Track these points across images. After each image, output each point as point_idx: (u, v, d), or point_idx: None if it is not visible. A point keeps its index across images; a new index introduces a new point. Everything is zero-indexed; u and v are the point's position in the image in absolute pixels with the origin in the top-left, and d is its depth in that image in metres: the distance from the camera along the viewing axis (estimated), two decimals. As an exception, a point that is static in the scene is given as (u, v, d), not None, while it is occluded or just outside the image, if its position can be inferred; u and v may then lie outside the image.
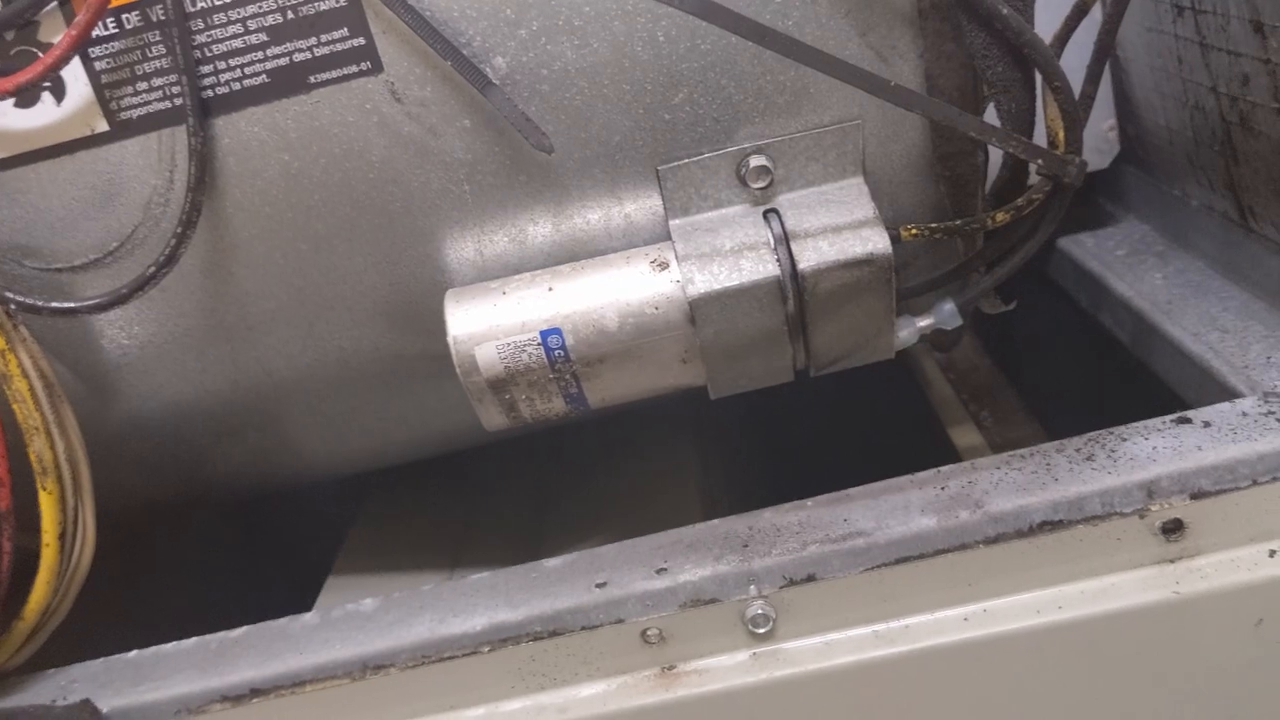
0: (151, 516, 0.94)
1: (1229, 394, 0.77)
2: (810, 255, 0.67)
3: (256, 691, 0.74)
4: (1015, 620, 0.69)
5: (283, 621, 0.79)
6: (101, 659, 0.79)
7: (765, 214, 0.69)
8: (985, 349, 1.12)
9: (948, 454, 0.98)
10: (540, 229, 0.71)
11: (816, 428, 1.15)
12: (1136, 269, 0.99)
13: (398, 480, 1.13)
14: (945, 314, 0.73)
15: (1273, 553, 0.68)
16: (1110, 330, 1.00)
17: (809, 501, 0.76)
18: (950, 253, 0.75)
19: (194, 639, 0.80)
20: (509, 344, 0.68)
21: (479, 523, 1.08)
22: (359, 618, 0.77)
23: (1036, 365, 1.15)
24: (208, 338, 0.73)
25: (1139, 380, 0.94)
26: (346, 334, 0.74)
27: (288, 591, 0.97)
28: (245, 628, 0.79)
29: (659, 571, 0.73)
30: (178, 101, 0.66)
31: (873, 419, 1.11)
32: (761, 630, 0.70)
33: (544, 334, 0.68)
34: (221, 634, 0.79)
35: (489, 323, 0.68)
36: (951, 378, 1.03)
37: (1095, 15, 0.71)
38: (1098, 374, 1.06)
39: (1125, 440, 0.73)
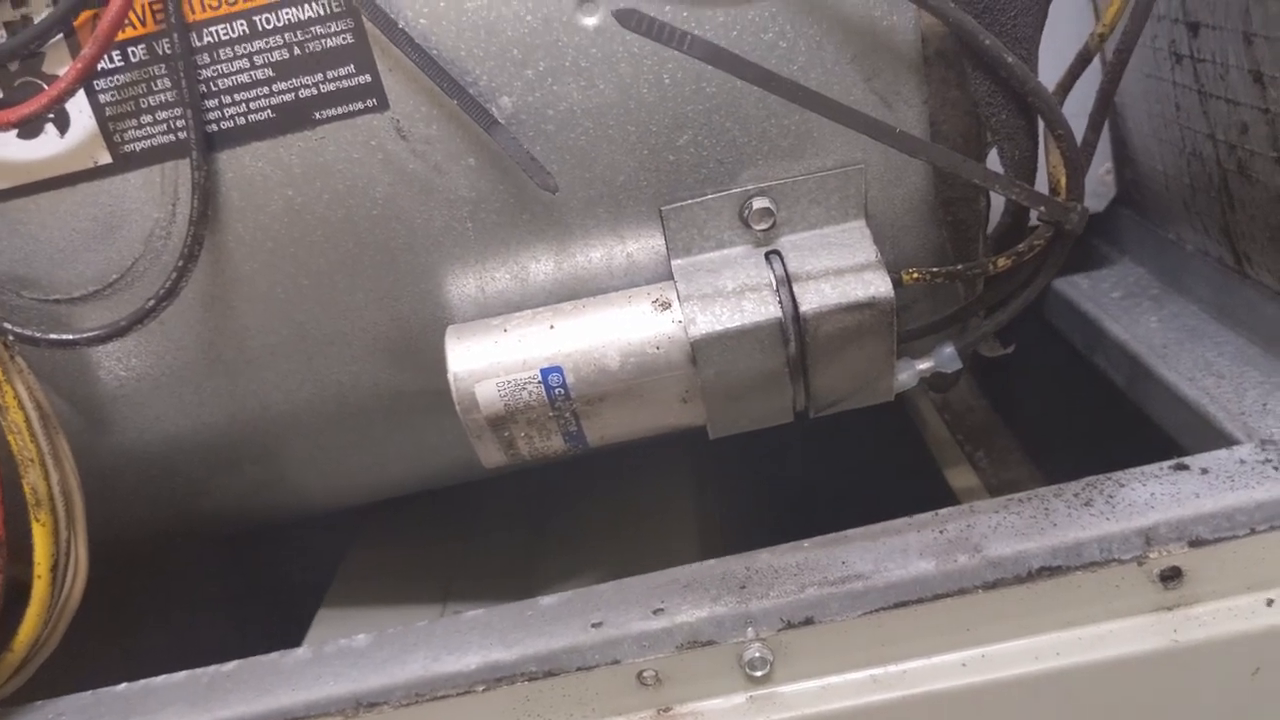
0: (146, 548, 0.93)
1: (1225, 440, 0.78)
2: (812, 298, 0.67)
3: (250, 729, 0.73)
4: (1013, 666, 0.69)
5: (274, 656, 0.78)
6: (91, 691, 0.78)
7: (767, 255, 0.69)
8: (981, 389, 1.12)
9: (943, 495, 0.98)
10: (543, 267, 0.71)
11: (813, 465, 1.15)
12: (1132, 312, 0.99)
13: (390, 510, 1.12)
14: (945, 357, 0.73)
15: (1270, 601, 0.68)
16: (1105, 373, 1.00)
17: (806, 543, 0.76)
18: (951, 296, 0.75)
19: (185, 673, 0.79)
20: (509, 381, 0.68)
21: (472, 553, 1.08)
22: (352, 654, 0.77)
23: (1031, 407, 1.15)
24: (205, 371, 0.73)
25: (1134, 423, 0.94)
26: (346, 369, 0.74)
27: (279, 623, 0.97)
28: (237, 662, 0.79)
29: (655, 612, 0.72)
30: (182, 135, 0.66)
31: (869, 458, 1.11)
32: (759, 673, 0.70)
33: (545, 372, 0.68)
34: (213, 668, 0.79)
35: (490, 360, 0.68)
36: (947, 418, 1.03)
37: (1095, 62, 0.72)
38: (1092, 416, 1.06)
39: (1123, 486, 0.73)
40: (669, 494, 1.06)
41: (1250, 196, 0.81)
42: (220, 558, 1.29)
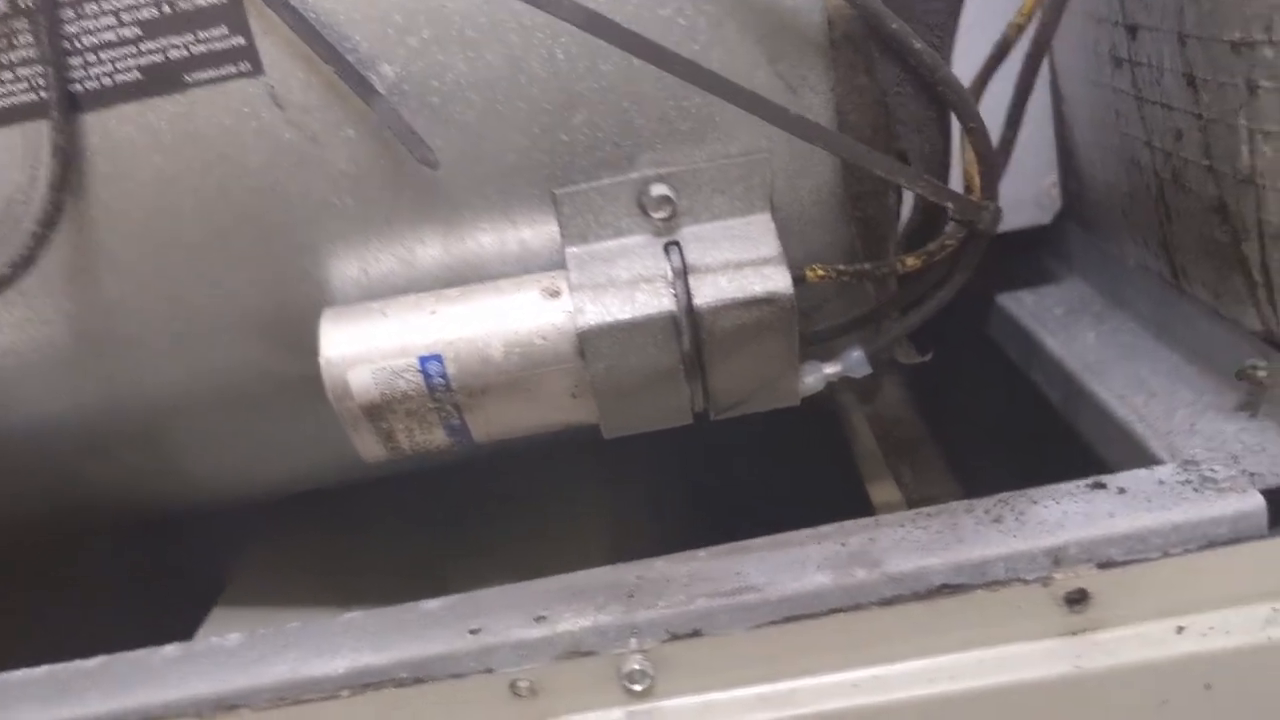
0: (30, 537, 0.89)
1: (1149, 460, 0.74)
2: (708, 291, 0.63)
3: (99, 727, 0.69)
4: (907, 688, 0.65)
5: (142, 653, 0.74)
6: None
7: (666, 246, 0.66)
8: (916, 404, 1.09)
9: (867, 510, 0.94)
10: (429, 250, 0.67)
11: (743, 472, 1.11)
12: (1071, 328, 0.96)
13: (297, 504, 1.09)
14: (853, 361, 0.70)
15: (1181, 629, 0.65)
16: (1042, 390, 0.97)
17: (703, 552, 0.72)
18: (862, 298, 0.72)
19: (46, 668, 0.75)
20: (385, 368, 0.64)
21: (382, 553, 1.04)
22: (222, 653, 0.73)
23: (969, 423, 1.12)
24: (73, 349, 0.69)
25: (1066, 442, 0.91)
26: (223, 352, 0.70)
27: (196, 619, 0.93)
28: (102, 658, 0.75)
29: (537, 619, 0.68)
30: (44, 94, 0.62)
31: (805, 468, 1.07)
32: (638, 687, 0.66)
33: (423, 360, 0.64)
34: (76, 664, 0.75)
35: (365, 345, 0.64)
36: (878, 431, 0.99)
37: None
38: (1027, 434, 1.03)
39: (1035, 503, 0.70)
40: (589, 499, 1.03)
41: (1185, 207, 0.78)
42: (137, 552, 1.25)
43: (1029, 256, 1.12)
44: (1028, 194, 0.99)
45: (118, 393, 0.72)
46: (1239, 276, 0.74)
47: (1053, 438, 0.94)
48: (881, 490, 0.90)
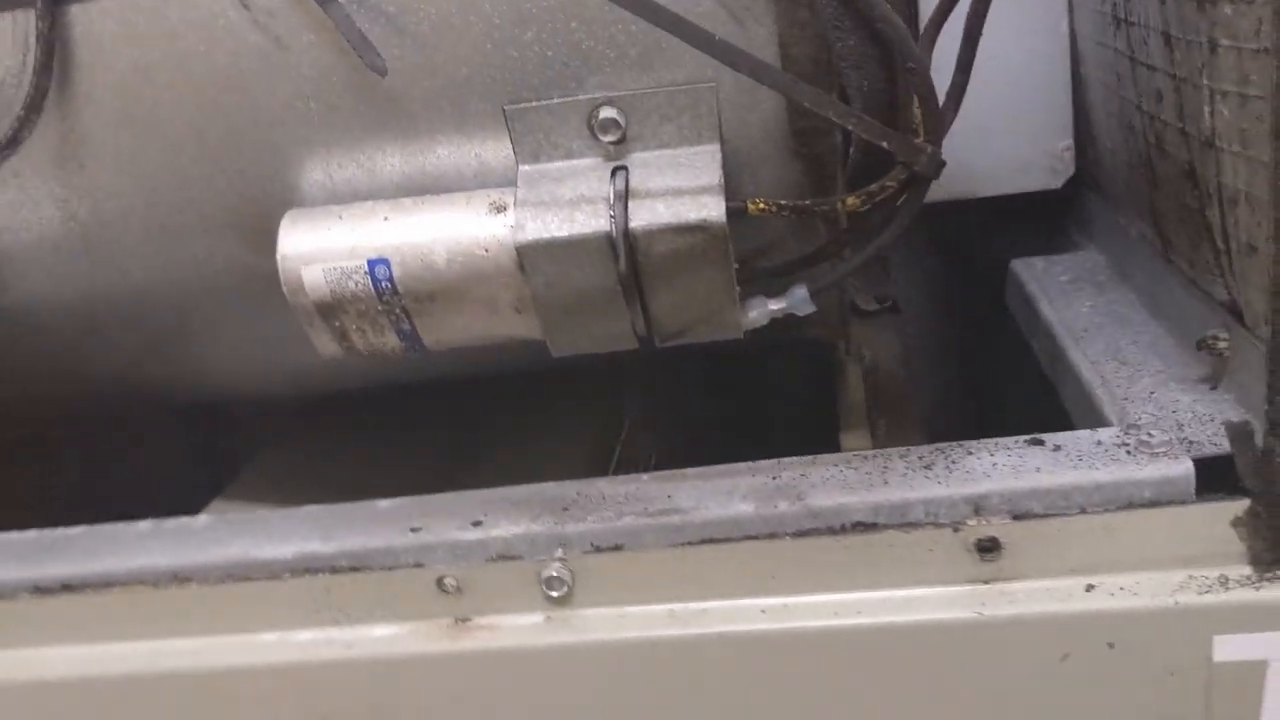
0: (45, 413, 0.95)
1: (1100, 423, 0.74)
2: (644, 215, 0.65)
3: (67, 587, 0.74)
4: (812, 619, 0.67)
5: (120, 526, 0.79)
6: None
7: (614, 170, 0.67)
8: (938, 369, 1.09)
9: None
10: (390, 160, 0.70)
11: (735, 417, 1.13)
12: (1070, 296, 0.95)
13: (324, 411, 1.13)
14: (797, 299, 0.71)
15: (1090, 587, 0.65)
16: (1037, 355, 0.96)
17: (645, 475, 0.75)
18: (817, 238, 0.73)
19: (36, 531, 0.80)
20: (336, 269, 0.67)
21: (394, 463, 1.08)
22: (187, 532, 0.77)
23: (974, 384, 1.11)
24: (61, 229, 0.74)
25: (1052, 408, 0.90)
26: (199, 242, 0.74)
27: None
28: (84, 527, 0.80)
29: (475, 524, 0.72)
30: (31, -16, 0.66)
31: (804, 413, 1.09)
32: (556, 594, 0.69)
33: (372, 263, 0.67)
34: (62, 530, 0.80)
35: (319, 244, 0.68)
36: (869, 384, 0.99)
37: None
38: (1022, 398, 1.02)
39: (971, 454, 0.70)
40: (583, 426, 1.05)
41: (1166, 173, 0.77)
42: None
43: (1053, 223, 1.11)
44: (1041, 157, 0.98)
45: (105, 275, 0.76)
46: (1207, 244, 0.72)
47: (1043, 401, 0.93)
48: (853, 439, 0.90)
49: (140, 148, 0.70)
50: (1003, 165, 0.97)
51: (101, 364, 0.85)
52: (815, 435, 1.03)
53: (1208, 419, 0.70)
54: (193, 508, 0.89)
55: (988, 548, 0.65)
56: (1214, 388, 0.74)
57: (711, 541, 0.68)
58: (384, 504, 0.76)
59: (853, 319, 1.14)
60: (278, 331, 0.81)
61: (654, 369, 1.06)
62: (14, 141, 0.67)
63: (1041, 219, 1.12)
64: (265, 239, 0.73)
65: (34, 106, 0.66)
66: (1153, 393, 0.75)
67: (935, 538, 0.66)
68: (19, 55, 0.68)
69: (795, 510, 0.67)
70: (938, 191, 0.99)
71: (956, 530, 0.65)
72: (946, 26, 0.65)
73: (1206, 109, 0.66)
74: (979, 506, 0.66)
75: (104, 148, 0.70)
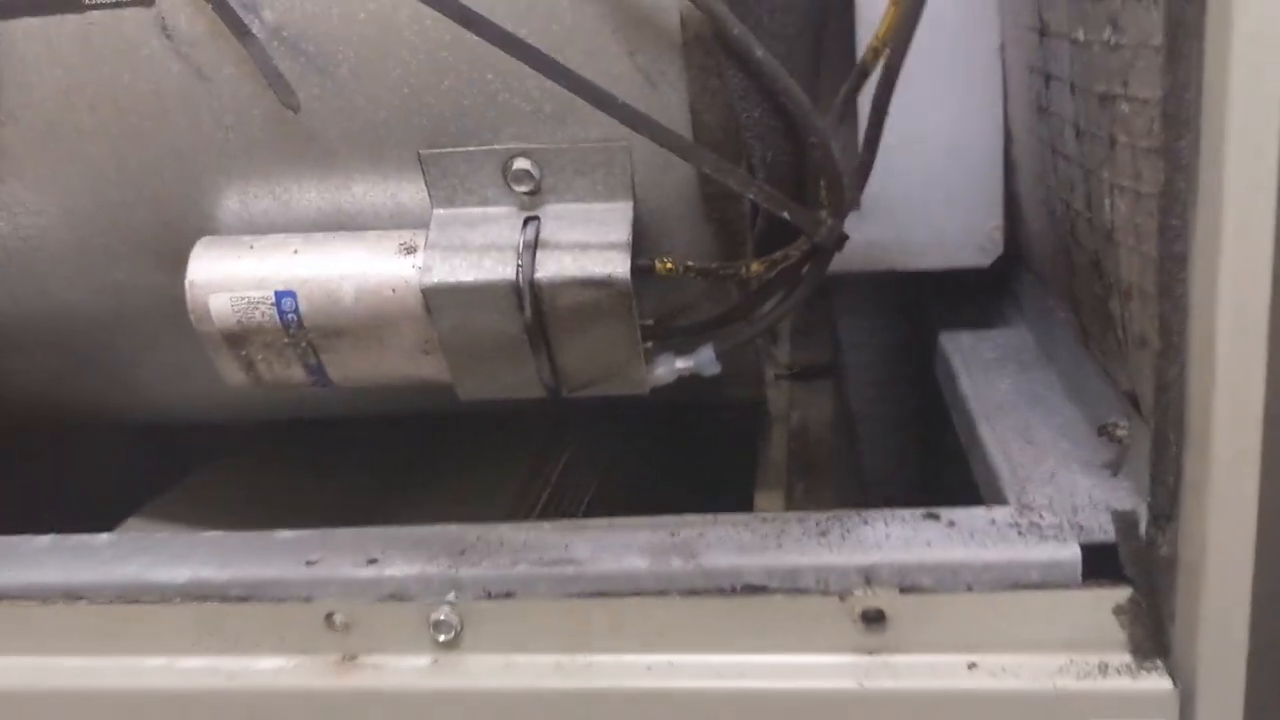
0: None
1: (999, 502, 0.75)
2: (551, 266, 0.65)
3: (-44, 599, 0.74)
4: (696, 679, 0.67)
5: (17, 539, 0.79)
6: None
7: (526, 220, 0.68)
8: (849, 429, 1.10)
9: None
10: (306, 195, 0.70)
11: (661, 464, 1.13)
12: (991, 373, 0.96)
13: (255, 437, 1.13)
14: (704, 359, 0.72)
15: (972, 665, 0.65)
16: (956, 429, 0.97)
17: (547, 524, 0.75)
18: (728, 301, 0.74)
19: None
20: (243, 298, 0.68)
21: (318, 494, 1.08)
22: (87, 549, 0.77)
23: (896, 453, 1.12)
24: (-18, 245, 0.74)
25: (964, 483, 0.91)
26: (121, 266, 0.74)
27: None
28: (-20, 538, 0.80)
29: (370, 561, 0.72)
30: (-46, -1, 0.67)
31: (719, 468, 1.09)
32: (444, 637, 0.69)
33: (279, 295, 0.68)
34: (-43, 540, 0.80)
35: (228, 273, 0.68)
36: (794, 446, 1.00)
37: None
38: (938, 471, 1.03)
39: (866, 524, 0.71)
40: (510, 464, 1.06)
41: (1079, 261, 0.78)
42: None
43: (985, 298, 1.12)
44: (971, 235, 0.99)
45: (24, 293, 0.76)
46: (1112, 334, 0.74)
47: (955, 476, 0.94)
48: (766, 499, 0.91)
49: (61, 169, 0.70)
50: (934, 241, 0.98)
51: (21, 379, 0.85)
52: (742, 493, 1.04)
53: (1102, 505, 0.71)
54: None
55: (873, 618, 0.66)
56: (1115, 474, 0.75)
57: (602, 595, 0.68)
58: (284, 535, 0.76)
59: (788, 382, 1.15)
60: (199, 358, 0.81)
61: (597, 414, 1.07)
62: (-68, 155, 0.67)
63: (979, 291, 1.13)
64: (183, 265, 0.73)
65: (-44, 122, 0.67)
66: (1054, 475, 0.76)
67: (823, 605, 0.66)
68: (-57, 71, 0.68)
69: (689, 569, 0.68)
70: (870, 263, 1.01)
71: (843, 599, 0.66)
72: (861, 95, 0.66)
73: (1107, 202, 0.67)
74: (869, 576, 0.66)
75: (24, 165, 0.70)
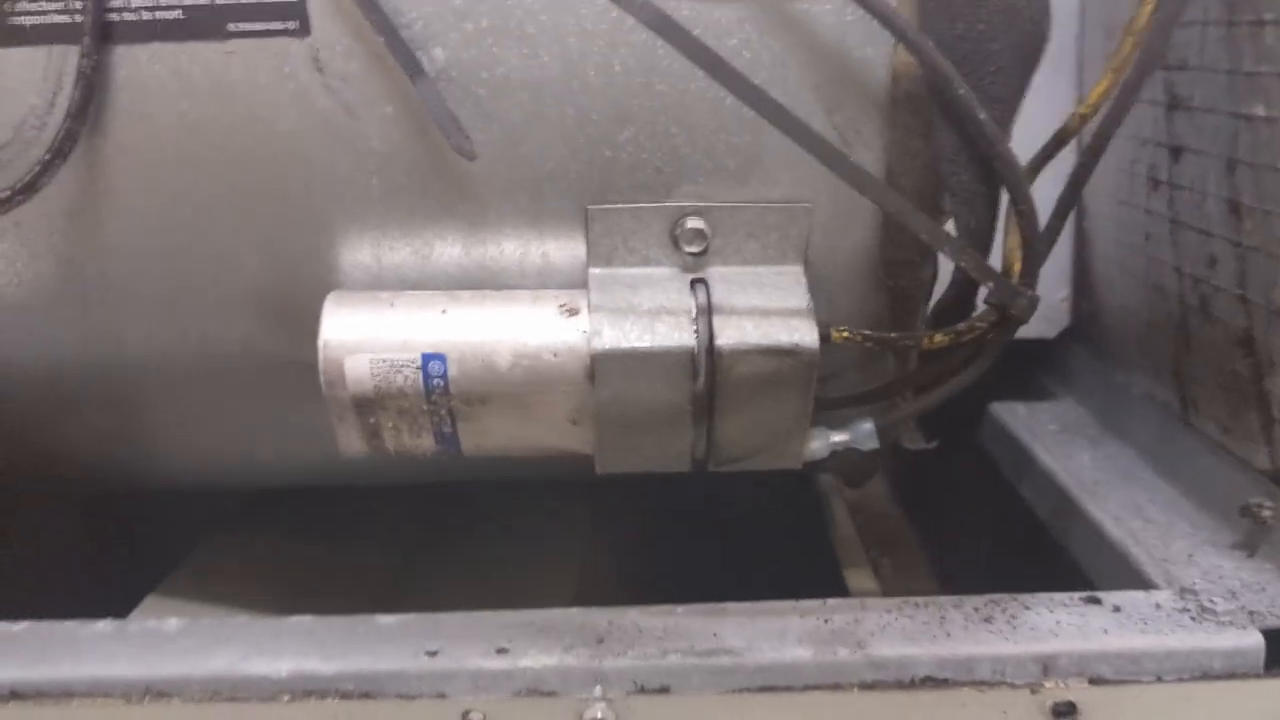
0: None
1: (1144, 584, 0.72)
2: (731, 333, 0.61)
3: (16, 695, 0.65)
4: (876, 779, 0.62)
5: (73, 624, 0.70)
6: None
7: (694, 282, 0.63)
8: (901, 502, 1.07)
9: (839, 595, 0.91)
10: (449, 248, 0.64)
11: (711, 539, 1.09)
12: (1066, 446, 0.94)
13: (262, 500, 1.05)
14: (863, 433, 0.68)
15: (1161, 758, 0.62)
16: (1029, 503, 0.95)
17: (680, 608, 0.69)
18: (881, 371, 0.70)
19: (-33, 627, 0.70)
20: (385, 360, 0.61)
21: (338, 564, 1.00)
22: (158, 636, 0.68)
23: (947, 525, 1.10)
24: (59, 290, 0.66)
25: (1050, 558, 0.89)
26: (213, 318, 0.67)
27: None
28: (29, 623, 0.70)
29: (499, 651, 0.65)
30: (78, 18, 0.59)
31: (774, 543, 1.05)
32: (598, 737, 0.63)
33: (426, 357, 0.61)
34: (2, 624, 0.70)
35: (368, 333, 0.61)
36: (859, 521, 0.97)
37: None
38: (1009, 546, 1.01)
39: (1028, 609, 0.67)
40: (560, 541, 1.00)
41: (1207, 337, 0.77)
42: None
43: (1025, 370, 1.11)
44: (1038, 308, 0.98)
45: (97, 346, 0.68)
46: (1254, 413, 0.72)
47: (1035, 550, 0.92)
48: (858, 577, 0.87)
49: (171, 209, 0.63)
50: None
51: (64, 441, 0.76)
52: (793, 566, 1.00)
53: (1258, 588, 0.70)
54: (93, 600, 0.79)
55: (1065, 711, 0.62)
56: (1251, 555, 0.73)
57: (769, 690, 0.63)
58: (386, 620, 0.69)
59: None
60: (274, 423, 0.74)
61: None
62: (30, 188, 0.59)
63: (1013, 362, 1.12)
64: (291, 321, 0.67)
65: (61, 152, 0.59)
66: (1191, 555, 0.74)
67: (1012, 698, 0.62)
68: (48, 93, 0.61)
69: (857, 659, 0.63)
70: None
71: (1034, 692, 0.62)
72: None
73: (1288, 278, 0.66)
74: (1048, 666, 0.63)
75: (129, 205, 0.63)
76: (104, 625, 0.70)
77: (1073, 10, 0.91)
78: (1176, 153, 0.77)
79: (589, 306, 0.62)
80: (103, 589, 0.92)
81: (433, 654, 0.65)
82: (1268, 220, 0.67)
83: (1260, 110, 0.66)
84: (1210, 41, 0.69)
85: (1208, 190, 0.74)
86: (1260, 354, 0.70)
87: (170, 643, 0.67)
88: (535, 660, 0.64)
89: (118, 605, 0.82)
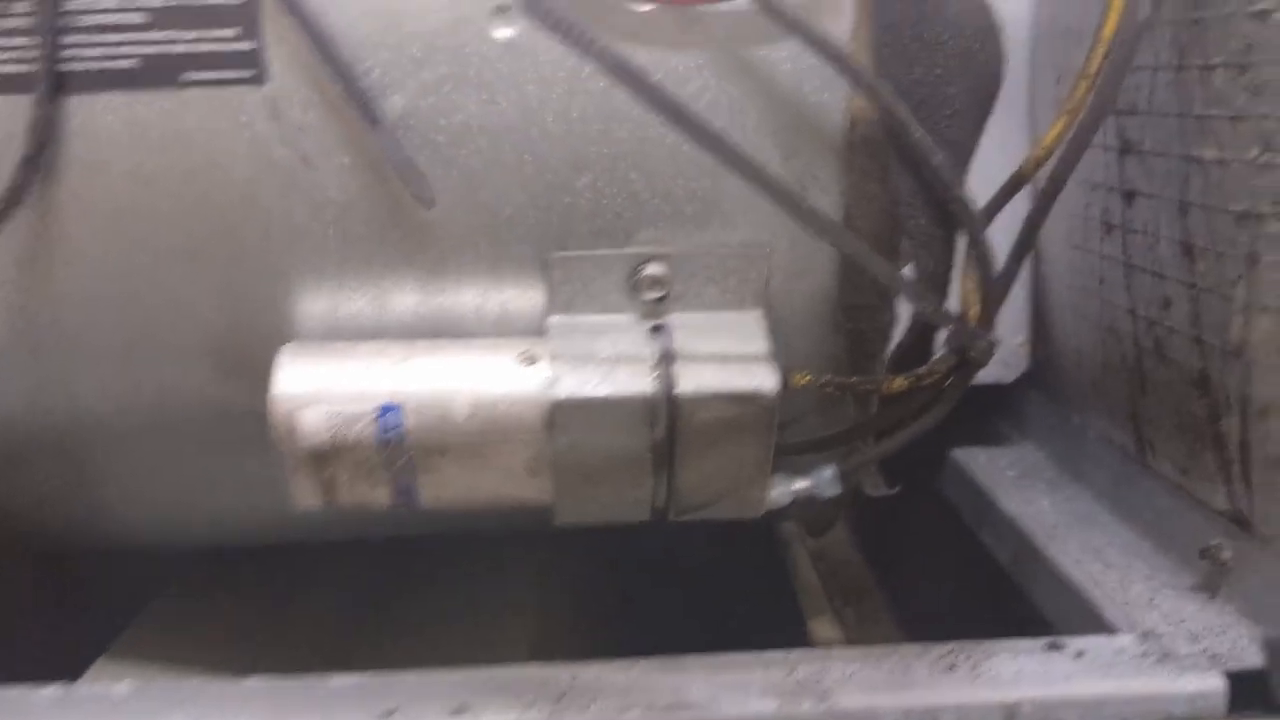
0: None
1: (1105, 628, 0.72)
2: (691, 379, 0.61)
3: (-43, 763, 0.63)
4: (842, 832, 0.61)
5: (18, 690, 0.68)
6: None
7: (653, 329, 0.63)
8: (859, 546, 1.07)
9: (802, 645, 0.91)
10: (406, 298, 0.64)
11: (670, 589, 1.08)
12: (1026, 491, 0.95)
13: (214, 557, 1.03)
14: (824, 480, 0.67)
15: (1131, 805, 0.62)
16: (990, 549, 0.95)
17: (641, 662, 0.68)
18: (841, 416, 0.70)
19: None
20: (340, 413, 0.60)
21: (294, 622, 0.98)
22: (107, 702, 0.67)
23: (907, 572, 1.09)
24: (9, 339, 0.64)
25: (1011, 603, 0.89)
26: (169, 369, 0.66)
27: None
28: (-34, 690, 0.68)
29: (457, 711, 0.64)
30: (32, 67, 0.58)
31: (733, 593, 1.04)
32: (559, 794, 0.61)
33: (383, 409, 0.61)
34: (-63, 690, 0.68)
35: (323, 384, 0.61)
36: (821, 569, 0.96)
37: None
38: (970, 592, 1.01)
39: (991, 656, 0.67)
40: (515, 595, 0.98)
41: (1162, 378, 0.77)
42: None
43: (984, 416, 1.11)
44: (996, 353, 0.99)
45: (48, 397, 0.67)
46: (1211, 453, 0.73)
47: (997, 595, 0.92)
48: (822, 626, 0.86)
49: (125, 258, 0.62)
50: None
51: (9, 496, 0.74)
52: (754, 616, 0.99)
53: (1220, 630, 0.70)
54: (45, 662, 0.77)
55: (1028, 759, 0.62)
56: (1212, 597, 0.74)
57: (731, 743, 0.62)
58: (340, 681, 0.67)
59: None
60: (228, 477, 0.73)
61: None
62: (-20, 237, 0.58)
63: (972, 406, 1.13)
64: (246, 371, 0.66)
65: (12, 200, 0.58)
66: (1152, 599, 0.74)
67: (976, 747, 0.62)
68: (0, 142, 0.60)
69: (821, 711, 0.63)
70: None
71: (998, 739, 0.62)
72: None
73: (1239, 319, 0.66)
74: (1012, 713, 0.63)
75: (82, 254, 0.62)
76: (52, 691, 0.67)
77: (1023, 55, 0.92)
78: (1129, 196, 0.78)
79: (549, 355, 0.62)
80: (54, 650, 0.90)
81: (389, 714, 0.64)
82: (1220, 261, 0.68)
83: (1211, 153, 0.67)
84: (1160, 86, 0.70)
85: (1160, 233, 0.74)
86: (1216, 394, 0.70)
87: (120, 708, 0.66)
88: (494, 718, 0.63)
89: (72, 666, 0.80)
